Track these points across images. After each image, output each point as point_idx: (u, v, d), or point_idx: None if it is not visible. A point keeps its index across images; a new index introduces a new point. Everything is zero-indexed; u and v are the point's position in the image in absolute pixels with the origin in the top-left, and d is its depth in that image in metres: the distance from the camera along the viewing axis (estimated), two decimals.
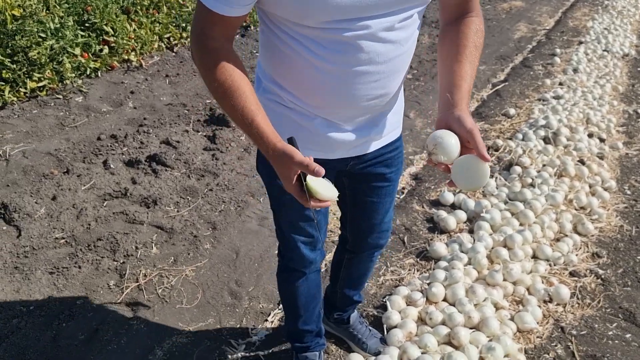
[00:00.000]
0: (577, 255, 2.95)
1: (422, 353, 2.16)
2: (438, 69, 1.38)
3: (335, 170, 1.66)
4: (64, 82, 4.67)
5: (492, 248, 2.87)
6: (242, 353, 2.33)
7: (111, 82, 4.95)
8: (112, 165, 3.55)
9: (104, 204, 3.21)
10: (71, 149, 3.79)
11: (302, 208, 1.65)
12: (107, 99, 4.65)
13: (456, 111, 1.24)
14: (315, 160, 1.43)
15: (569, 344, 2.40)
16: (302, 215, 1.70)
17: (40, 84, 4.47)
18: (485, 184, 1.38)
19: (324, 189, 1.27)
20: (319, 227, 1.75)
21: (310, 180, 1.24)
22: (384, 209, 1.86)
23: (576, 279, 2.79)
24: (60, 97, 4.53)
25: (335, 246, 2.18)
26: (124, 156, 3.69)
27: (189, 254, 2.89)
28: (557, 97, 5.03)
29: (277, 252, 1.95)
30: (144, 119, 4.31)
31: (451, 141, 1.21)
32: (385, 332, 2.36)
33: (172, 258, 2.85)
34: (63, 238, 2.91)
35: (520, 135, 4.21)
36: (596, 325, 2.51)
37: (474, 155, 1.21)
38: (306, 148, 1.54)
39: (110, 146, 3.80)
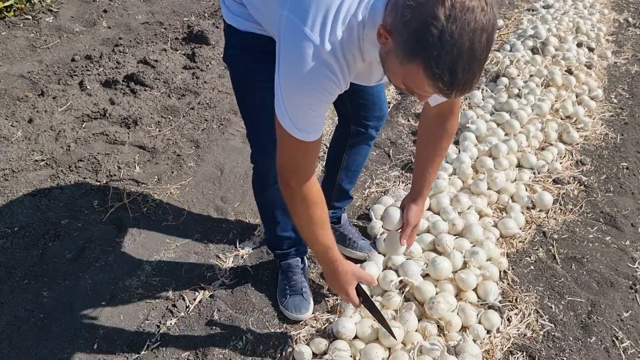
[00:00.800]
0: (561, 163, 2.96)
1: (407, 259, 2.20)
2: (415, 159, 1.87)
3: None
4: (32, 1, 4.43)
5: (477, 158, 2.86)
6: (230, 266, 2.36)
7: (82, 1, 4.70)
8: (88, 87, 3.44)
9: (83, 126, 3.13)
10: (45, 71, 3.65)
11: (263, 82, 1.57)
12: (79, 18, 4.43)
13: (413, 203, 1.84)
14: None
15: (550, 247, 2.45)
16: (266, 98, 1.52)
17: (7, 4, 4.24)
18: (397, 254, 2.13)
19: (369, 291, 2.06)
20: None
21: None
22: (375, 87, 1.91)
23: (559, 186, 2.81)
24: (30, 17, 4.31)
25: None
26: (100, 77, 3.56)
27: (172, 172, 2.86)
28: (547, 7, 4.88)
29: (250, 159, 1.93)
30: (119, 38, 4.13)
31: (394, 218, 1.87)
32: (372, 241, 2.39)
33: (156, 177, 2.82)
34: (43, 160, 2.85)
35: (507, 47, 4.11)
36: (577, 230, 2.56)
37: (398, 234, 1.85)
38: None
39: (86, 67, 3.66)
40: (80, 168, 2.81)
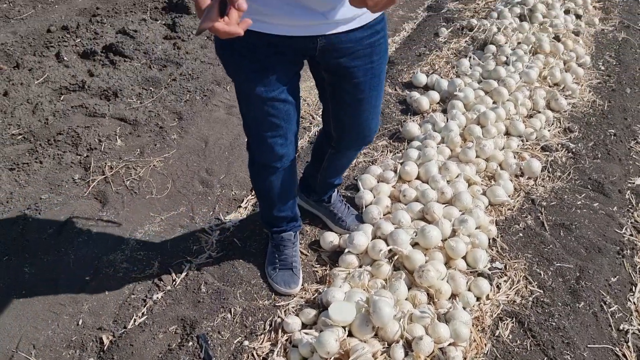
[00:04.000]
0: (549, 130, 2.94)
1: (395, 228, 2.17)
2: None
3: (302, 52, 1.49)
4: None
5: (465, 126, 2.83)
6: (217, 239, 2.31)
7: None
8: (65, 58, 3.32)
9: (61, 98, 3.03)
10: (19, 42, 3.52)
11: (268, 98, 1.54)
12: None
13: None
14: (276, 37, 1.32)
15: (539, 214, 2.44)
16: (268, 106, 1.56)
17: None
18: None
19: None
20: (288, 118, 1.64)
21: None
22: (371, 106, 1.70)
23: (548, 153, 2.80)
24: None
25: (317, 132, 2.10)
26: (77, 48, 3.44)
27: (155, 145, 2.79)
28: None
29: (246, 144, 1.84)
30: (97, 8, 3.99)
31: None
32: (361, 211, 2.36)
33: (138, 150, 2.75)
34: (20, 134, 2.76)
35: (495, 14, 4.05)
36: (565, 197, 2.56)
37: None
38: (262, 21, 1.36)
39: (62, 38, 3.53)
40: (60, 142, 2.73)
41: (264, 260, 2.18)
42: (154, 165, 2.66)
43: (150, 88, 3.19)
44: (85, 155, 2.68)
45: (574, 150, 2.83)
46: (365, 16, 1.46)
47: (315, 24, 1.41)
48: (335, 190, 2.32)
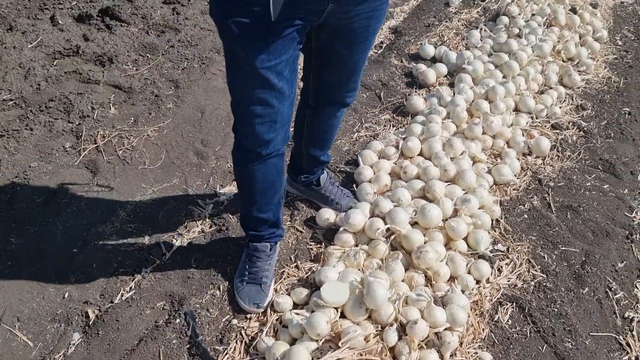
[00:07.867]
0: (560, 107, 2.82)
1: (394, 206, 2.09)
2: None
3: (308, 15, 1.37)
4: None
5: (473, 101, 2.71)
6: (209, 212, 2.24)
7: None
8: (60, 21, 3.21)
9: (54, 63, 2.93)
10: (14, 4, 3.40)
11: (259, 67, 1.37)
12: None
13: None
14: None
15: (546, 195, 2.34)
16: (258, 78, 1.40)
17: None
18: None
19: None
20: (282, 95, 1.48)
21: None
22: (357, 67, 1.66)
23: (558, 131, 2.68)
24: None
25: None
26: (73, 11, 3.32)
27: (150, 114, 2.69)
28: None
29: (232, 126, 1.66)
30: None
31: None
32: (356, 188, 2.27)
33: (132, 118, 2.66)
34: (11, 100, 2.68)
35: None
36: (574, 177, 2.45)
37: None
38: None
39: (58, 0, 3.41)
40: (51, 108, 2.64)
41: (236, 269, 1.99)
42: (147, 134, 2.57)
43: (147, 54, 3.08)
44: (77, 123, 2.59)
45: (585, 128, 2.71)
46: None
47: None
48: (325, 172, 2.20)
